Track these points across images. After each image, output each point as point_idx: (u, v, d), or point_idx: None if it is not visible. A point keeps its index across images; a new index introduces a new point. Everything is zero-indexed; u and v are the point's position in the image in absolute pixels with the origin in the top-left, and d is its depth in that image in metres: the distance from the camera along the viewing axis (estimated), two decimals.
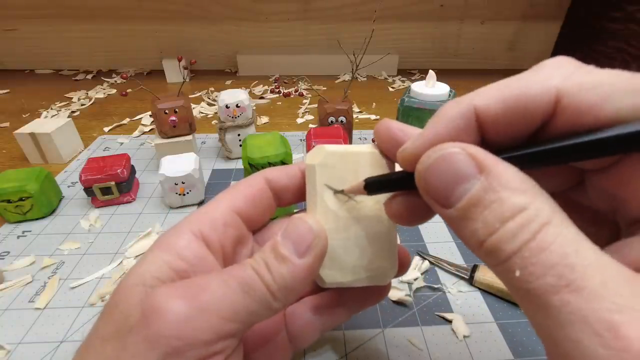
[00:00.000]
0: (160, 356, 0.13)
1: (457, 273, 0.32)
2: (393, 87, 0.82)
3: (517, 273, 0.11)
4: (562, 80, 0.12)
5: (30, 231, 0.38)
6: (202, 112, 0.68)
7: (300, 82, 0.84)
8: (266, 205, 0.20)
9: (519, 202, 0.11)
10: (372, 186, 0.16)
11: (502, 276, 0.12)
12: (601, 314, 0.09)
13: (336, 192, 0.18)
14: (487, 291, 0.30)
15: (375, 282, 0.19)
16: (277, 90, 0.79)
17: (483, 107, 0.13)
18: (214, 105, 0.71)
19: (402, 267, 0.20)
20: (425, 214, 0.16)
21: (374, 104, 0.72)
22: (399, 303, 0.30)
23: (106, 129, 0.61)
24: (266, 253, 0.16)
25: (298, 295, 0.17)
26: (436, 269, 0.33)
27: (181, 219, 0.18)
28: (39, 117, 0.65)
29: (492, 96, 0.13)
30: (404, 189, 0.16)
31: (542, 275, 0.10)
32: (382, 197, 0.17)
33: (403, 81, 0.86)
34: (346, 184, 0.18)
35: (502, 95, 0.13)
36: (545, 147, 0.12)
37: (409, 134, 0.16)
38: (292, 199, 0.20)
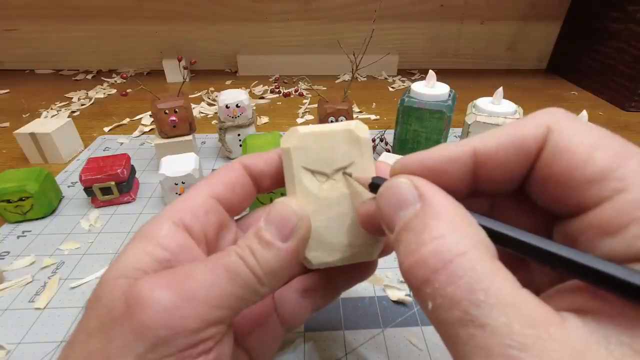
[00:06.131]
0: (147, 346, 0.13)
1: None
2: (393, 87, 0.82)
3: (430, 306, 0.11)
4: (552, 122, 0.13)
5: (30, 231, 0.38)
6: (202, 112, 0.68)
7: (300, 82, 0.84)
8: (246, 191, 0.19)
9: (439, 229, 0.12)
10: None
11: (420, 304, 0.12)
12: (502, 349, 0.10)
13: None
14: None
15: (362, 259, 0.19)
16: (277, 90, 0.78)
17: (481, 146, 0.14)
18: (214, 105, 0.71)
19: (389, 244, 0.20)
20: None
21: (374, 104, 0.72)
22: (399, 303, 0.30)
23: (106, 129, 0.61)
24: (250, 239, 0.16)
25: (284, 279, 0.17)
26: None
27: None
28: (39, 117, 0.65)
29: (488, 137, 0.14)
30: None
31: (450, 308, 0.11)
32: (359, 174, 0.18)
33: (403, 81, 0.86)
34: (323, 163, 0.18)
35: (496, 134, 0.14)
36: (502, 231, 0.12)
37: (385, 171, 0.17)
38: (271, 185, 0.20)
